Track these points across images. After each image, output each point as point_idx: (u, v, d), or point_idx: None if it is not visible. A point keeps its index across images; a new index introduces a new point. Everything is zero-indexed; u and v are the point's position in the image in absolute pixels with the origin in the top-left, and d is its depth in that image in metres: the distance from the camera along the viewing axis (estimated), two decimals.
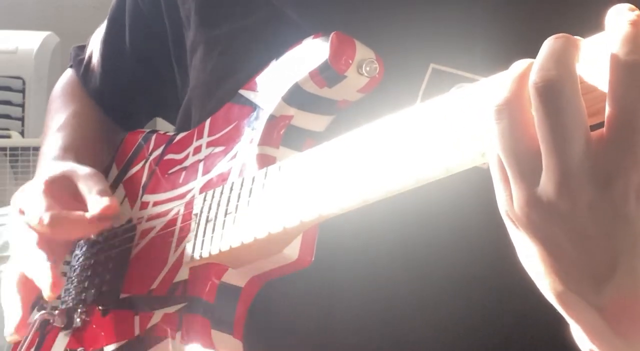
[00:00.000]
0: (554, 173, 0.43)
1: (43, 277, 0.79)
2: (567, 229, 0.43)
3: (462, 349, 0.73)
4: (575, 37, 0.45)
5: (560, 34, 0.45)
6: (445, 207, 0.67)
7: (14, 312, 0.82)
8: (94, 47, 1.03)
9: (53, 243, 0.81)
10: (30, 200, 0.82)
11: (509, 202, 0.46)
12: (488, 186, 0.50)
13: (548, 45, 0.45)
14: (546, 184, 0.44)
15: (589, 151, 0.43)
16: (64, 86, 1.07)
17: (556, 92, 0.43)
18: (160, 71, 0.96)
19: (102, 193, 0.81)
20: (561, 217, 0.43)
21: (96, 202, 0.80)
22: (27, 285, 0.83)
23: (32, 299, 0.85)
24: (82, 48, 1.07)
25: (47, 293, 0.79)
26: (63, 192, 0.83)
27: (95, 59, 1.03)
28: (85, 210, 0.80)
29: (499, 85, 0.47)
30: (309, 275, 0.71)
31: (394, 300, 0.72)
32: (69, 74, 1.09)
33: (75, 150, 0.93)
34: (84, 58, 1.05)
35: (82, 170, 0.85)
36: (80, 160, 0.90)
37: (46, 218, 0.79)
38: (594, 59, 0.45)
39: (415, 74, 0.68)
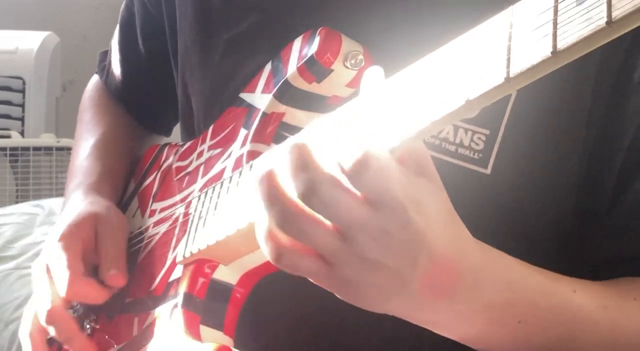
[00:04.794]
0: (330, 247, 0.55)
1: None
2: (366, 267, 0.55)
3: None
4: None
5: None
6: None
7: None
8: (113, 52, 1.06)
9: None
10: (54, 251, 0.84)
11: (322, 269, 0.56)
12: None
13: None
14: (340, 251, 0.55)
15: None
16: (92, 95, 1.11)
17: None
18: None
19: (113, 260, 0.83)
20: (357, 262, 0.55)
21: (105, 271, 0.83)
22: (40, 333, 0.86)
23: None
24: (106, 53, 1.10)
25: None
26: (86, 239, 0.85)
27: (115, 64, 1.06)
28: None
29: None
30: None
31: None
32: (95, 79, 1.12)
33: (99, 187, 0.94)
34: (106, 64, 1.09)
35: (107, 221, 0.87)
36: (106, 192, 0.93)
37: (64, 279, 0.82)
38: None
39: None
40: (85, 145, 1.01)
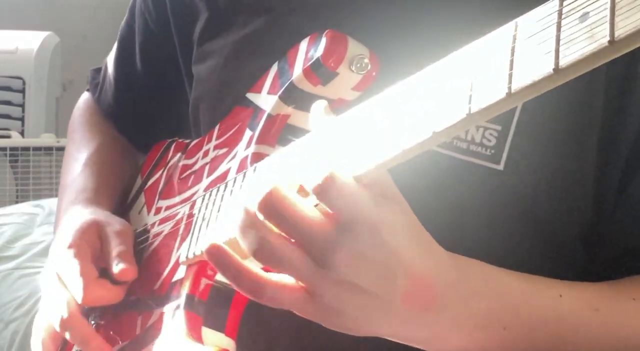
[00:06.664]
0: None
1: None
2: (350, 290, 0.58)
3: None
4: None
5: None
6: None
7: None
8: (108, 69, 1.06)
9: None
10: (65, 259, 0.85)
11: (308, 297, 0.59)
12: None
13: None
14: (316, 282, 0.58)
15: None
16: (82, 113, 1.10)
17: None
18: (174, 90, 0.98)
19: (121, 256, 0.83)
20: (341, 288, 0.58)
21: (114, 266, 0.83)
22: (53, 340, 0.87)
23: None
24: (98, 71, 1.11)
25: None
26: (93, 244, 0.86)
27: (109, 81, 1.06)
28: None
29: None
30: None
31: None
32: (85, 96, 1.12)
33: (96, 199, 0.95)
34: (99, 81, 1.08)
35: (110, 225, 0.87)
36: (104, 204, 0.93)
37: (79, 286, 0.82)
38: None
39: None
40: (76, 164, 1.01)
